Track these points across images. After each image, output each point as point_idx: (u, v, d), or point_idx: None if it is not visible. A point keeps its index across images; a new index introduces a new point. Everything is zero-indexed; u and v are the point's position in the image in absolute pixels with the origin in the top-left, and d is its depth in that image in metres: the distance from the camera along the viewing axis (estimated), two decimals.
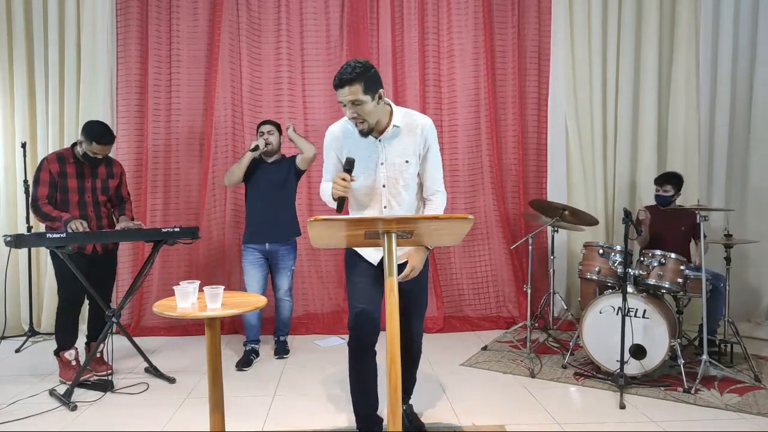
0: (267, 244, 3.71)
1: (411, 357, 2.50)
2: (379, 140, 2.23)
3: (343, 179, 2.07)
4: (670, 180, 3.87)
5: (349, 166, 2.11)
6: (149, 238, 3.35)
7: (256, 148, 3.67)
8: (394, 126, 2.22)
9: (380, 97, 2.15)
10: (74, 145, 3.28)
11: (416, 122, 2.26)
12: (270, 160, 3.79)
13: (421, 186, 2.36)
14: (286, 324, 3.88)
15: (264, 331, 4.09)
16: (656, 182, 3.94)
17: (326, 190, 2.31)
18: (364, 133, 2.18)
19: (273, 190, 3.71)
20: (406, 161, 2.24)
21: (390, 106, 2.25)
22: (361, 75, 2.05)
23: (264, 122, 3.82)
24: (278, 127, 3.83)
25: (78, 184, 3.23)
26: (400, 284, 1.85)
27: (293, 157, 3.81)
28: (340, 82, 2.07)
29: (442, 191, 2.37)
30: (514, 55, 4.62)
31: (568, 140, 4.59)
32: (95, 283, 3.18)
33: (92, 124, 3.21)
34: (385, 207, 2.28)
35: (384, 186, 2.26)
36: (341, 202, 2.12)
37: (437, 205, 2.35)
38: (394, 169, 2.24)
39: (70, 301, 3.24)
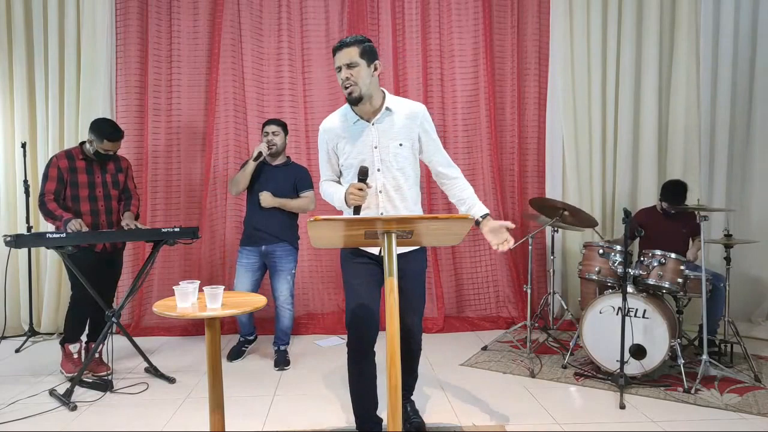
0: (263, 246, 3.59)
1: (411, 355, 2.50)
2: (372, 124, 2.25)
3: (360, 189, 2.09)
4: (683, 194, 3.77)
5: (363, 176, 2.11)
6: (149, 238, 3.35)
7: (260, 155, 3.52)
8: (386, 108, 2.25)
9: (375, 69, 2.21)
10: (82, 143, 3.32)
11: (410, 107, 2.30)
12: (274, 163, 3.65)
13: (417, 174, 2.35)
14: (287, 333, 3.65)
15: (263, 331, 4.08)
16: (672, 200, 3.77)
17: (328, 190, 2.33)
18: (354, 100, 2.18)
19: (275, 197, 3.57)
20: (400, 144, 2.26)
21: (383, 92, 2.29)
22: (359, 41, 2.18)
23: (269, 122, 3.66)
24: (284, 126, 3.66)
25: (88, 179, 3.27)
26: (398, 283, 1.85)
27: (301, 172, 3.69)
28: (339, 46, 2.19)
29: (455, 166, 2.38)
30: (514, 55, 4.62)
31: (576, 140, 4.57)
32: (104, 281, 3.23)
33: (99, 122, 3.27)
34: (380, 191, 2.27)
35: (379, 170, 2.26)
36: (358, 209, 2.13)
37: (463, 181, 2.37)
38: (388, 152, 2.25)
39: (80, 300, 3.27)
